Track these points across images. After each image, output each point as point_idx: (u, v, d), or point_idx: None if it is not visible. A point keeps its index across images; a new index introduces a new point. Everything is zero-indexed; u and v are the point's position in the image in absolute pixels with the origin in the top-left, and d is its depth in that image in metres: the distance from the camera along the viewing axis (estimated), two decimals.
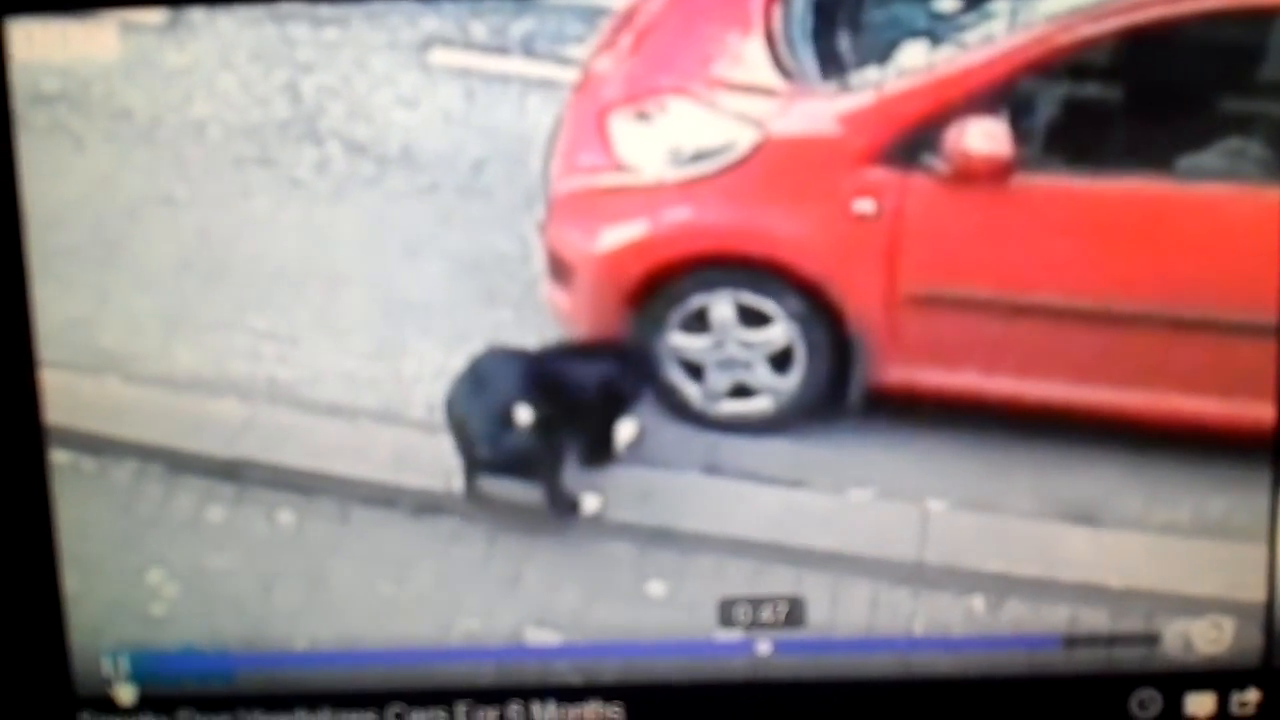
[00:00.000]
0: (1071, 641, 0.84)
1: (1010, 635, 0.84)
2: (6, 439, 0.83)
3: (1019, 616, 0.85)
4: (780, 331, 0.85)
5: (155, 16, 0.81)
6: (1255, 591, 0.83)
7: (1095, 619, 0.84)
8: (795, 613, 0.84)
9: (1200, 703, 0.84)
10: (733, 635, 0.84)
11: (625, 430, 0.87)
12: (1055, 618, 0.85)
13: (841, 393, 0.85)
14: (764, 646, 0.84)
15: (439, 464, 0.88)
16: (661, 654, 0.85)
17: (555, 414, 0.85)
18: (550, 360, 0.86)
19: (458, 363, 0.86)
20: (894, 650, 0.84)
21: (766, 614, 0.84)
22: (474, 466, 0.87)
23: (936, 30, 0.81)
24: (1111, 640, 0.84)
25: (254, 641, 0.86)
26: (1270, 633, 0.84)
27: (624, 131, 0.83)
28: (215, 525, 0.88)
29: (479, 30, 0.85)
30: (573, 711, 0.84)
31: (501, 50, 0.85)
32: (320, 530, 0.88)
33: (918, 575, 0.85)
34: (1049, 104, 0.81)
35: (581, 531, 0.87)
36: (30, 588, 0.85)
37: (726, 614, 0.84)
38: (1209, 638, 0.84)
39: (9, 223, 0.81)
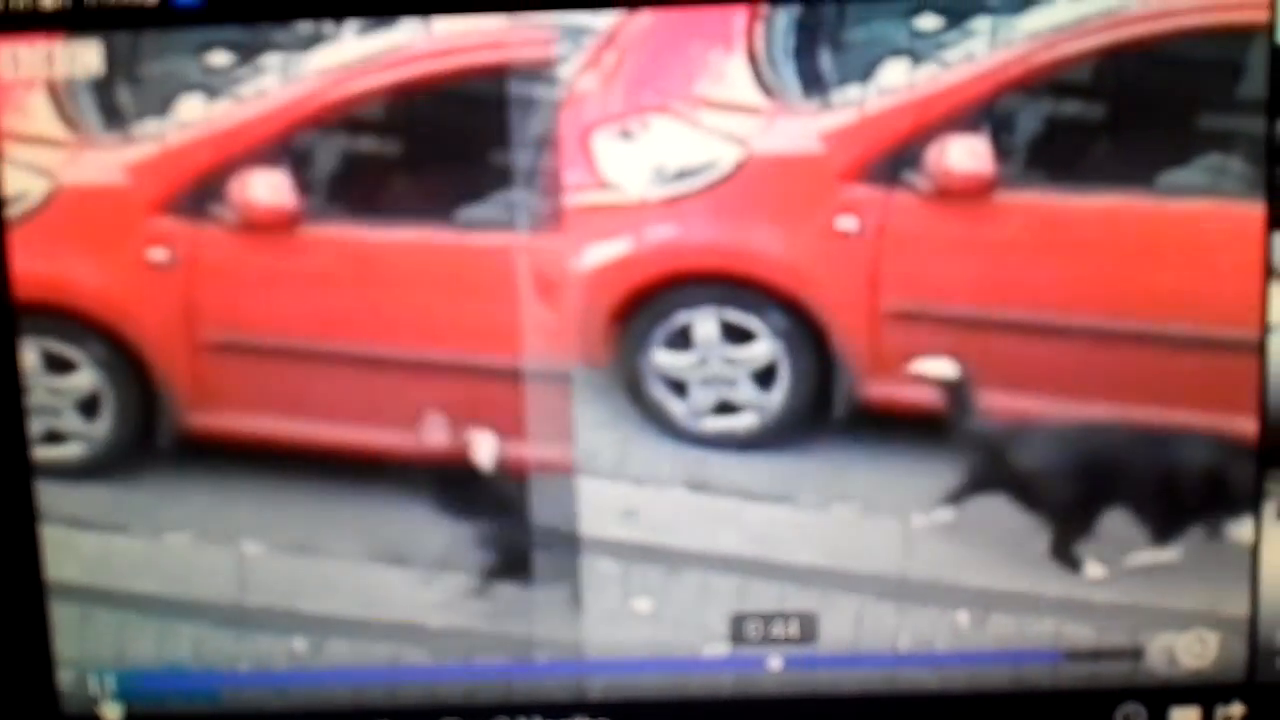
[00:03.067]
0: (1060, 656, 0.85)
1: (1005, 650, 0.85)
2: None
3: (1004, 631, 0.85)
4: (764, 348, 0.85)
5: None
6: (1239, 605, 0.84)
7: (1080, 634, 0.85)
8: (807, 628, 0.85)
9: (1185, 716, 0.85)
10: (730, 651, 0.86)
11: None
12: (1040, 632, 0.85)
13: (825, 408, 0.85)
14: (775, 662, 0.85)
15: None
16: (656, 670, 0.85)
17: None
18: None
19: None
20: (890, 666, 0.85)
21: (778, 630, 0.85)
22: None
23: (918, 49, 0.81)
24: (1096, 655, 0.85)
25: (239, 660, 0.86)
26: (1254, 647, 0.84)
27: (607, 150, 0.83)
28: None
29: None
30: None
31: None
32: None
33: (902, 590, 0.85)
34: (1030, 121, 0.81)
35: (565, 548, 0.87)
36: (16, 606, 0.85)
37: (738, 630, 0.85)
38: (1193, 652, 0.85)
39: None
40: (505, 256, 0.82)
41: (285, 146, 0.82)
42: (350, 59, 0.81)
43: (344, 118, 0.82)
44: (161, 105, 0.82)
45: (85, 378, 0.85)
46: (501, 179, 0.81)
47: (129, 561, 0.86)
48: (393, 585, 0.86)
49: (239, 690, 0.86)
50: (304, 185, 0.83)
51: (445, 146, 0.82)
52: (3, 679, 0.86)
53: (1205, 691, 0.85)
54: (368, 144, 0.82)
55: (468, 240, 0.82)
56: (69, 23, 0.79)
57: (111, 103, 0.81)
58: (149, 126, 0.83)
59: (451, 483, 0.85)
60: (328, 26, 0.80)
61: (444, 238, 0.83)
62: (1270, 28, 0.79)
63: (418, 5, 0.79)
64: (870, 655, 0.85)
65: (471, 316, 0.84)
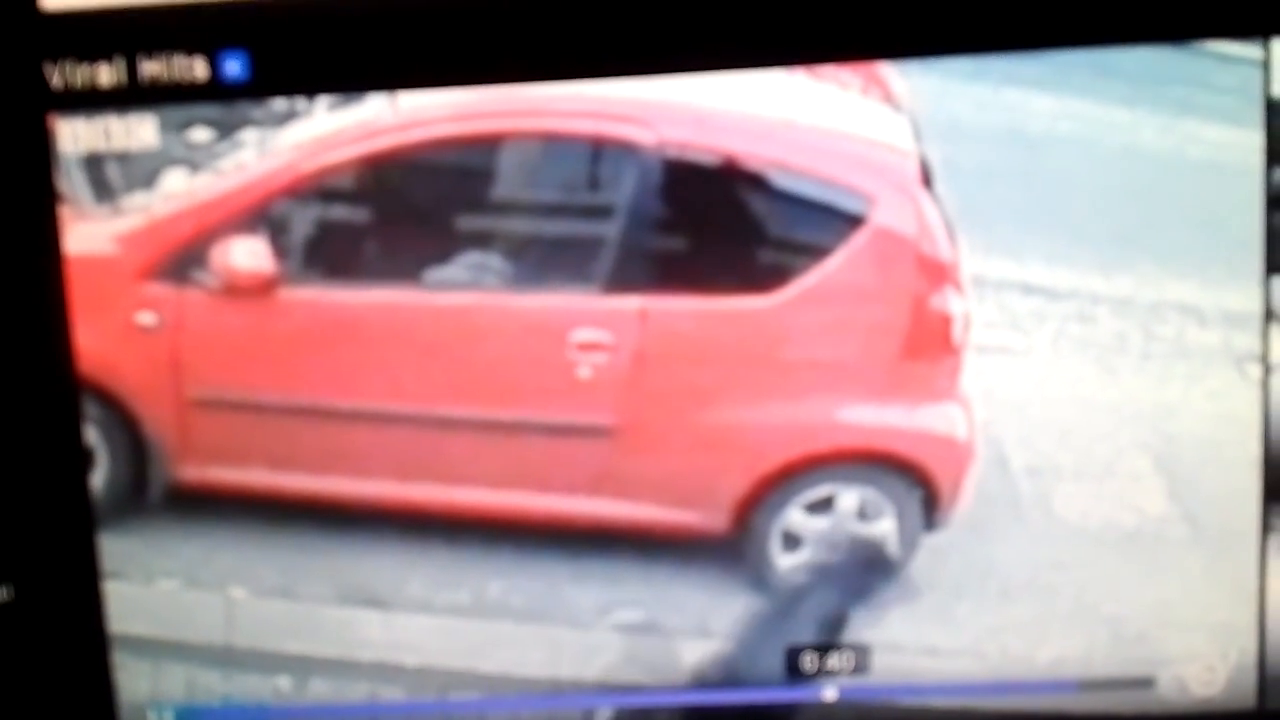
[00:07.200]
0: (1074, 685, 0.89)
1: (1020, 680, 0.88)
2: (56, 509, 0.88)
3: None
4: (90, 435, 0.90)
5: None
6: (1247, 635, 0.86)
7: (1093, 663, 0.88)
8: (861, 660, 0.89)
9: None
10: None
11: None
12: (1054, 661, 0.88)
13: (143, 490, 0.91)
14: (829, 693, 0.89)
15: None
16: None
17: None
18: None
19: None
20: (910, 695, 0.90)
21: (833, 662, 0.89)
22: None
23: (194, 158, 0.88)
24: (1109, 684, 0.88)
25: (292, 696, 0.91)
26: (1263, 675, 0.87)
27: None
28: None
29: None
30: None
31: None
32: None
33: None
34: (304, 223, 0.89)
35: None
36: (78, 642, 0.89)
37: (793, 662, 0.89)
38: (1203, 680, 0.87)
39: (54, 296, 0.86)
40: (469, 315, 0.88)
41: (263, 215, 0.88)
42: (322, 133, 0.87)
43: (317, 188, 0.88)
44: (147, 179, 0.87)
45: (90, 434, 0.89)
46: (466, 242, 0.87)
47: (123, 606, 0.90)
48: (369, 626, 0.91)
49: None
50: (281, 251, 0.88)
51: (412, 213, 0.88)
52: (66, 716, 0.89)
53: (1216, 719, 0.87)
54: (340, 211, 0.88)
55: (435, 300, 0.88)
56: (125, 99, 0.83)
57: (101, 177, 0.86)
58: (136, 199, 0.88)
59: None
60: (301, 103, 0.86)
61: (414, 298, 0.88)
62: None
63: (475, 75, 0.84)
64: (892, 685, 0.89)
65: (438, 372, 0.89)
